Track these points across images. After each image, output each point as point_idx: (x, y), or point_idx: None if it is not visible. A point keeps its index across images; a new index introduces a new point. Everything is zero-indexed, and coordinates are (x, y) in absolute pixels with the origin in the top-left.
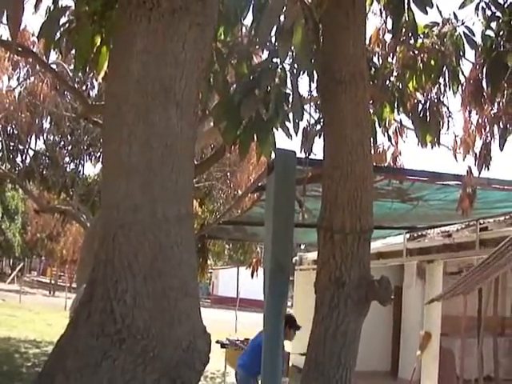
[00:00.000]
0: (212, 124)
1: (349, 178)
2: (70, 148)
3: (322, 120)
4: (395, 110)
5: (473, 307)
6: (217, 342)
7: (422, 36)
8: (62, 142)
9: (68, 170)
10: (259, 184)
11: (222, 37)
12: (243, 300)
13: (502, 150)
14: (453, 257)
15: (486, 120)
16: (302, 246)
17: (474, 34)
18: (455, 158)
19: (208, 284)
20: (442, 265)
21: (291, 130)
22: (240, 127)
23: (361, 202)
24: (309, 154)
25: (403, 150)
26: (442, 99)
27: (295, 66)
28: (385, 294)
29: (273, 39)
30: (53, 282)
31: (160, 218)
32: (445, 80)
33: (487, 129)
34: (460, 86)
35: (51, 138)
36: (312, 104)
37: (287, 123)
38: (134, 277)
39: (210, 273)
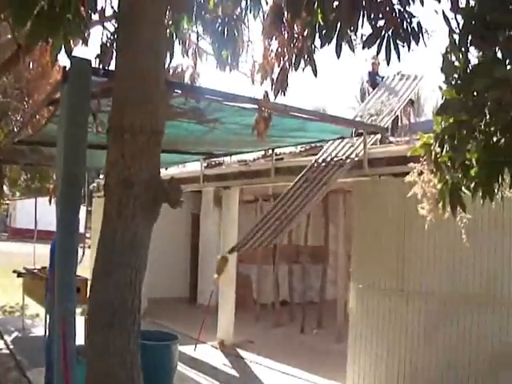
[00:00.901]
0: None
1: (140, 78)
2: None
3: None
4: (193, 20)
5: None
6: (14, 271)
7: None
8: None
9: None
10: (55, 97)
11: None
12: (42, 232)
13: (296, 69)
14: (249, 183)
15: (285, 49)
16: (102, 176)
17: None
18: (253, 82)
19: (5, 216)
20: (237, 192)
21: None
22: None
23: (152, 101)
24: (108, 66)
25: (202, 75)
26: (243, 19)
27: None
28: (175, 196)
29: None
30: None
31: None
32: (247, 3)
33: (286, 57)
34: (262, 13)
35: None
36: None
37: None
38: None
39: (7, 204)
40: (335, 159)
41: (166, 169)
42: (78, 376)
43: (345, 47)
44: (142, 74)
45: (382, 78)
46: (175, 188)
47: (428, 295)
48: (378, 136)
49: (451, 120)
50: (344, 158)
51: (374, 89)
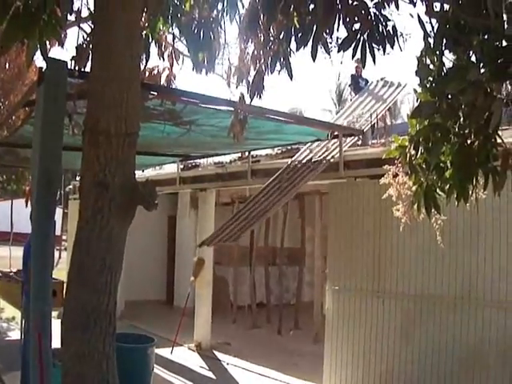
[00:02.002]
0: None
1: (115, 79)
2: None
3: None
4: (169, 22)
5: (245, 238)
6: None
7: None
8: None
9: None
10: (31, 98)
11: None
12: (18, 234)
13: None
14: (226, 186)
15: (261, 52)
16: (78, 178)
17: None
18: (229, 85)
19: None
20: (214, 194)
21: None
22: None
23: (127, 104)
24: (84, 68)
25: (179, 78)
26: (219, 22)
27: None
28: (150, 198)
29: None
30: None
31: None
32: (223, 5)
33: (262, 60)
34: (238, 15)
35: None
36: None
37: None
38: None
39: None
40: (311, 161)
41: (143, 171)
42: (53, 380)
43: (320, 50)
44: (116, 76)
45: (366, 81)
46: (150, 190)
47: (404, 296)
48: (356, 139)
49: (426, 123)
50: (319, 160)
51: (356, 92)
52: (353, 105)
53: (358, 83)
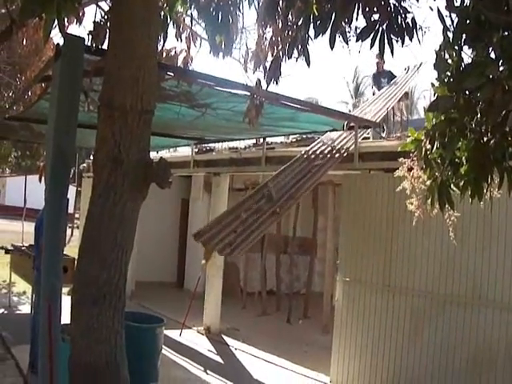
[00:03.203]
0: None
1: (132, 57)
2: None
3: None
4: (187, 3)
5: None
6: (1, 247)
7: None
8: None
9: None
10: (47, 74)
11: None
12: (31, 210)
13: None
14: (239, 171)
15: (279, 38)
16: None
17: None
18: (245, 70)
19: None
20: (228, 178)
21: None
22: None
23: (143, 81)
24: (101, 45)
25: (196, 61)
26: (238, 5)
27: None
28: (163, 176)
29: None
30: None
31: None
32: None
33: (279, 46)
34: (257, 0)
35: None
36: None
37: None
38: None
39: None
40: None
41: (157, 152)
42: (62, 354)
43: (338, 39)
44: (134, 54)
45: (391, 74)
46: (164, 168)
47: (414, 292)
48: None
49: (442, 117)
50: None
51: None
52: (374, 99)
53: (380, 83)
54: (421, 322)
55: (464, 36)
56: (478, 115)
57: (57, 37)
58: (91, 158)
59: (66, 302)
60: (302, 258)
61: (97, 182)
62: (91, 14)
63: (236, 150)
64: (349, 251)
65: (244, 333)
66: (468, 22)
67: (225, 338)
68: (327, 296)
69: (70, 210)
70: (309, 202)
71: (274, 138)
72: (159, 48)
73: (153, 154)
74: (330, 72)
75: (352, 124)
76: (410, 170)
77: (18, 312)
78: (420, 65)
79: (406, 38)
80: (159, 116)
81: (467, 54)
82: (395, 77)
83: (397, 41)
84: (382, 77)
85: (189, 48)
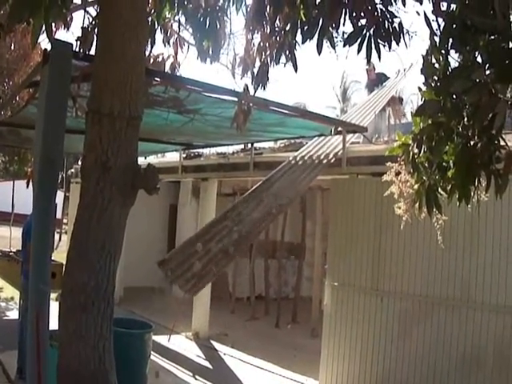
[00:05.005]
0: None
1: (120, 61)
2: None
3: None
4: (175, 9)
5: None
6: None
7: None
8: None
9: None
10: (35, 79)
11: None
12: (19, 215)
13: (277, 64)
14: (227, 176)
15: (266, 43)
16: (80, 161)
17: None
18: (233, 76)
19: None
20: (216, 184)
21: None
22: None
23: (131, 86)
24: (88, 51)
25: (184, 67)
26: (225, 11)
27: None
28: (151, 182)
29: None
30: None
31: None
32: None
33: (267, 51)
34: (244, 6)
35: None
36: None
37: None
38: None
39: None
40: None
41: (145, 158)
42: (50, 360)
43: (326, 44)
44: (121, 59)
45: (384, 76)
46: (152, 174)
47: (402, 295)
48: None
49: (430, 121)
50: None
51: None
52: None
53: (373, 89)
54: (410, 325)
55: (451, 40)
56: (465, 119)
57: (45, 42)
58: (79, 163)
59: (54, 308)
60: (290, 263)
61: (85, 188)
62: (79, 19)
63: (224, 156)
64: (337, 255)
65: (233, 338)
66: (454, 26)
67: (213, 343)
68: (316, 300)
69: (58, 215)
70: (297, 207)
71: (262, 144)
72: (146, 53)
73: (141, 160)
74: (317, 77)
75: (340, 129)
76: (397, 174)
77: (5, 318)
78: (410, 67)
79: (393, 43)
80: (147, 122)
81: (454, 58)
82: (389, 78)
83: (384, 45)
84: (375, 84)
85: (176, 53)
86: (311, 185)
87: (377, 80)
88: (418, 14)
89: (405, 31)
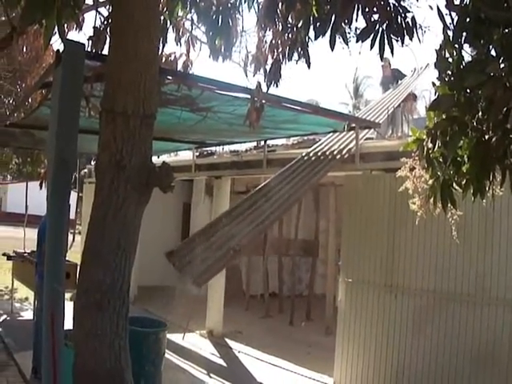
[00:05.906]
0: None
1: (133, 60)
2: None
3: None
4: (187, 7)
5: None
6: (3, 254)
7: None
8: None
9: None
10: (48, 80)
11: None
12: (32, 216)
13: (290, 61)
14: (241, 174)
15: (279, 40)
16: (93, 162)
17: None
18: (246, 73)
19: None
20: (229, 181)
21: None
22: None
23: (145, 85)
24: (101, 51)
25: (196, 65)
26: (237, 9)
27: None
28: (166, 180)
29: None
30: None
31: None
32: None
33: (280, 48)
34: (256, 3)
35: None
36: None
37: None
38: None
39: None
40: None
41: (158, 157)
42: (65, 360)
43: (338, 40)
44: (134, 58)
45: (400, 76)
46: (167, 172)
47: (416, 291)
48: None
49: (444, 116)
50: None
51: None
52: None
53: (388, 87)
54: (424, 321)
55: (464, 34)
56: (480, 113)
57: (57, 43)
58: (92, 163)
59: (69, 308)
60: (304, 260)
61: (99, 187)
62: (91, 19)
63: (237, 153)
64: (351, 252)
65: (247, 335)
66: (468, 20)
67: (228, 340)
68: (330, 297)
69: (72, 215)
70: (310, 204)
71: (274, 141)
72: (159, 52)
73: (154, 159)
74: (329, 73)
75: (353, 125)
76: (411, 169)
77: (20, 318)
78: (426, 66)
79: (406, 38)
80: (160, 120)
81: (468, 52)
82: (405, 75)
83: (397, 40)
84: (390, 81)
85: (188, 52)
86: (324, 181)
87: (392, 76)
88: (431, 8)
89: (418, 26)
